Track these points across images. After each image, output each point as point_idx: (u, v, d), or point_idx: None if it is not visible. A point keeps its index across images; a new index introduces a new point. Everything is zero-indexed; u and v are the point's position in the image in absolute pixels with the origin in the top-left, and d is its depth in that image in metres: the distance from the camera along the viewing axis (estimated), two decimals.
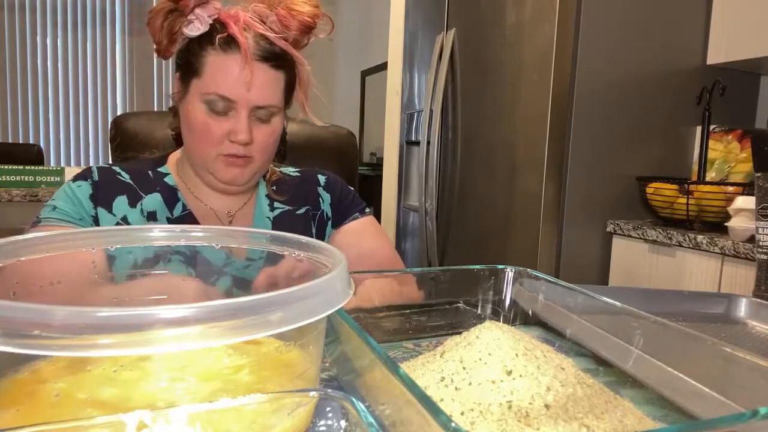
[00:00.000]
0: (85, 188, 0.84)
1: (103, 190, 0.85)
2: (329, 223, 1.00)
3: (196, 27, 0.79)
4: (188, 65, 0.82)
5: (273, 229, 0.89)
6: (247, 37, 0.79)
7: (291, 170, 1.03)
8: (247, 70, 0.78)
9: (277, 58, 0.81)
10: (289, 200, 0.97)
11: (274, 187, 0.97)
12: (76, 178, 0.86)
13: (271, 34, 0.80)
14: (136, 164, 0.93)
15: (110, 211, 0.84)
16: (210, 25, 0.80)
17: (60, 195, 0.84)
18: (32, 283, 0.42)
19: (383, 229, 1.06)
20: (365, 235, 1.00)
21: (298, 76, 0.87)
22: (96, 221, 0.84)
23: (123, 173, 0.89)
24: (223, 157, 0.83)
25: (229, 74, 0.79)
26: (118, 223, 0.84)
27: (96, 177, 0.86)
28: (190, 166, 0.90)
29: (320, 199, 0.99)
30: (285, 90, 0.85)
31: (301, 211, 0.97)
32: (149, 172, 0.90)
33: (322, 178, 1.02)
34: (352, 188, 1.06)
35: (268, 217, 0.95)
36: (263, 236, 0.51)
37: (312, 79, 0.89)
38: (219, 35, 0.78)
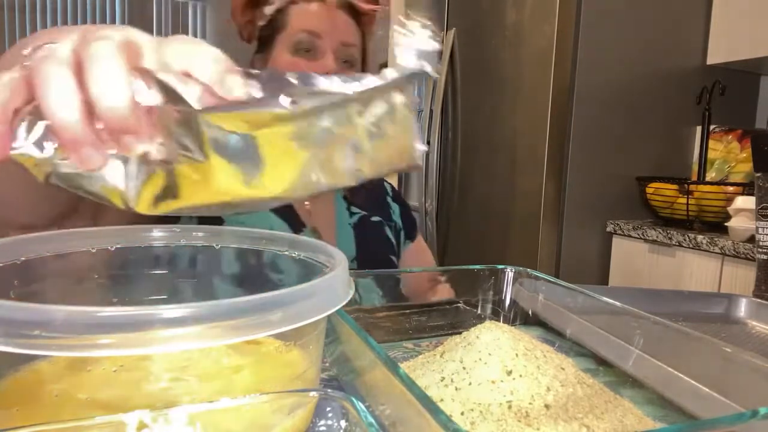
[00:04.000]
0: None
1: None
2: (402, 233, 0.94)
3: (274, 5, 0.83)
4: (271, 29, 0.83)
5: (357, 241, 0.85)
6: None
7: None
8: (331, 8, 0.81)
9: (354, 10, 0.83)
10: (363, 204, 0.90)
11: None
12: None
13: None
14: None
15: None
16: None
17: None
18: (32, 282, 0.42)
19: None
20: (422, 257, 0.98)
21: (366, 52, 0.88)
22: None
23: None
24: None
25: (313, 14, 0.81)
26: None
27: None
28: None
29: (391, 210, 0.94)
30: (361, 44, 0.86)
31: (375, 219, 0.90)
32: None
33: (387, 187, 0.98)
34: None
35: (350, 224, 0.87)
36: (261, 236, 0.51)
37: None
38: None
